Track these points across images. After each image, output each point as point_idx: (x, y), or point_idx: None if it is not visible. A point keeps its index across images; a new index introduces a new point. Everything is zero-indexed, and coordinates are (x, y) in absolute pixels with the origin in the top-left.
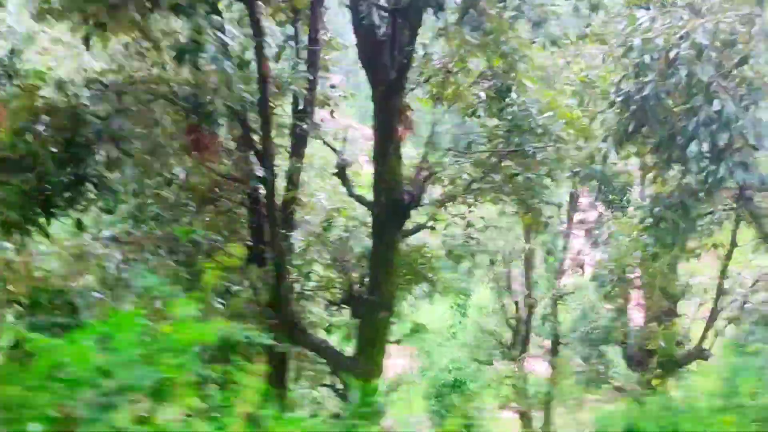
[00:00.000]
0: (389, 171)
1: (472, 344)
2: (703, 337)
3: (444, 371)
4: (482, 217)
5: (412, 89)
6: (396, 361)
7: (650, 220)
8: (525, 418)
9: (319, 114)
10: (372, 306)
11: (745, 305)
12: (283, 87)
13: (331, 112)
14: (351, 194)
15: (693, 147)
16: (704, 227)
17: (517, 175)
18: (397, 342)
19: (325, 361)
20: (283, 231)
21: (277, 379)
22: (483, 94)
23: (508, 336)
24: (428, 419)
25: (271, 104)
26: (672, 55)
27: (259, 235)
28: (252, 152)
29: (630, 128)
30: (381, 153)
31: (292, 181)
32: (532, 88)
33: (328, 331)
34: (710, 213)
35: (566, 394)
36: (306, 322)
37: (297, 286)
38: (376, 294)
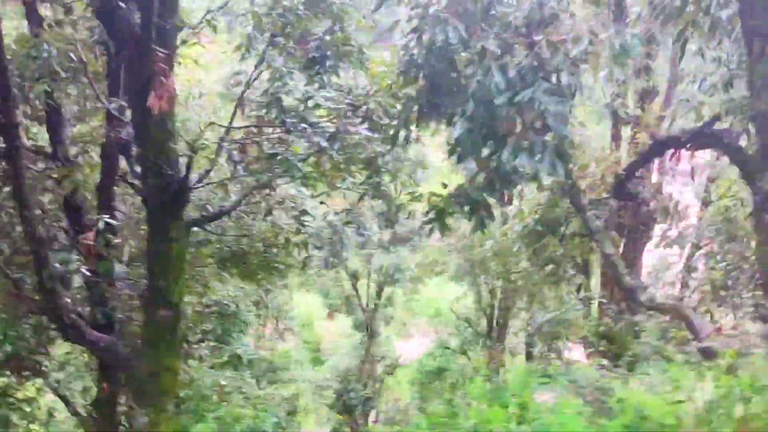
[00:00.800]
0: (153, 148)
1: (448, 332)
2: None
3: (429, 357)
4: (322, 202)
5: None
6: (421, 340)
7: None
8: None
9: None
10: (150, 304)
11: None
12: None
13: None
14: (125, 175)
15: (459, 126)
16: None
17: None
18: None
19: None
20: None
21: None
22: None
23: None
24: (412, 406)
25: None
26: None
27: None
28: None
29: (417, 103)
30: (140, 127)
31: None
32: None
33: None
34: None
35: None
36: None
37: (79, 278)
38: (152, 291)
